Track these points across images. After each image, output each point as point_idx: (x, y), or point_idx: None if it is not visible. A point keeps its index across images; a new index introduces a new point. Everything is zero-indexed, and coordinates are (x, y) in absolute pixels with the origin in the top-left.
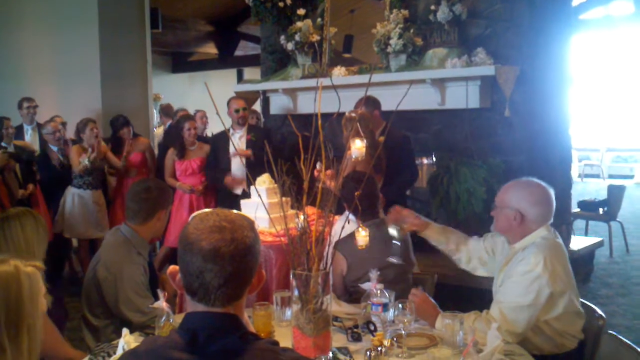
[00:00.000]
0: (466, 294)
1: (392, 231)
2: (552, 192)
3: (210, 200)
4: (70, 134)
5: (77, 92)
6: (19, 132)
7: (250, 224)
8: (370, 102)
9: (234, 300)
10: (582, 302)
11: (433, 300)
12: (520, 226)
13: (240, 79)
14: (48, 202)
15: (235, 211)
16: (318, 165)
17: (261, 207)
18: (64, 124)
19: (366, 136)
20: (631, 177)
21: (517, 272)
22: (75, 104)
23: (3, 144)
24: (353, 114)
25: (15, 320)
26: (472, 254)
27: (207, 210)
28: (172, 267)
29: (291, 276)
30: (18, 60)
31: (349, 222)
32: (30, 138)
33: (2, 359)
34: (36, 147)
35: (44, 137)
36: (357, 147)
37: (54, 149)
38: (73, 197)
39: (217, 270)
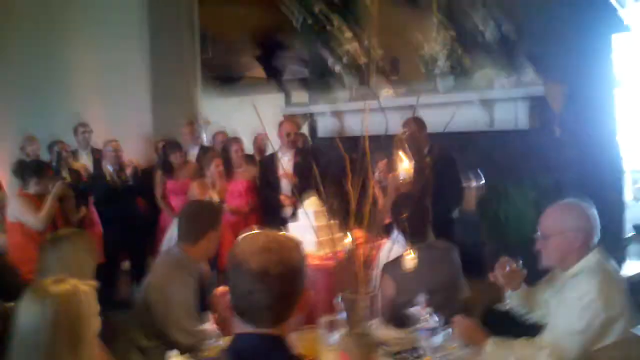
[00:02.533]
0: (516, 321)
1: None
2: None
3: (256, 223)
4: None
5: (128, 115)
6: (74, 156)
7: (297, 245)
8: (418, 122)
9: (281, 322)
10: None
11: (477, 325)
12: (581, 247)
13: (288, 101)
14: (102, 221)
15: (283, 232)
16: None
17: (309, 229)
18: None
19: (414, 157)
20: None
21: (571, 298)
22: (126, 127)
23: (64, 174)
24: (404, 135)
25: (74, 337)
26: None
27: (255, 231)
28: (221, 288)
29: (339, 299)
30: (69, 84)
31: (396, 244)
32: (85, 162)
33: None
34: (90, 170)
35: (104, 153)
36: (404, 168)
37: (110, 168)
38: None
39: (265, 290)
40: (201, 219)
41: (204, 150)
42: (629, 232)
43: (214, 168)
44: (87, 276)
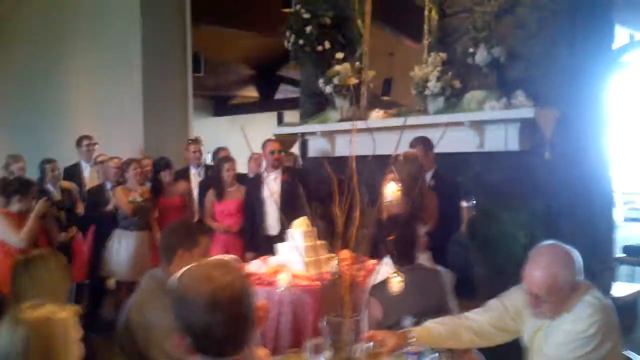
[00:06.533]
0: (505, 344)
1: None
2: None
3: (245, 242)
4: None
5: (120, 134)
6: (77, 169)
7: (235, 264)
8: (426, 143)
9: (244, 345)
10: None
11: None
12: (570, 291)
13: (280, 121)
14: (100, 238)
15: (218, 256)
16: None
17: (296, 250)
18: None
19: (403, 180)
20: None
21: (570, 330)
22: (118, 146)
23: (49, 185)
24: (401, 156)
25: None
26: (485, 330)
27: (191, 265)
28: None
29: (324, 322)
30: (64, 102)
31: (385, 265)
32: (89, 175)
33: None
34: (95, 183)
35: (105, 170)
36: (391, 190)
37: (108, 185)
38: (119, 238)
39: (221, 319)
40: (171, 237)
41: (208, 169)
42: (619, 254)
43: (132, 171)
44: (61, 297)
